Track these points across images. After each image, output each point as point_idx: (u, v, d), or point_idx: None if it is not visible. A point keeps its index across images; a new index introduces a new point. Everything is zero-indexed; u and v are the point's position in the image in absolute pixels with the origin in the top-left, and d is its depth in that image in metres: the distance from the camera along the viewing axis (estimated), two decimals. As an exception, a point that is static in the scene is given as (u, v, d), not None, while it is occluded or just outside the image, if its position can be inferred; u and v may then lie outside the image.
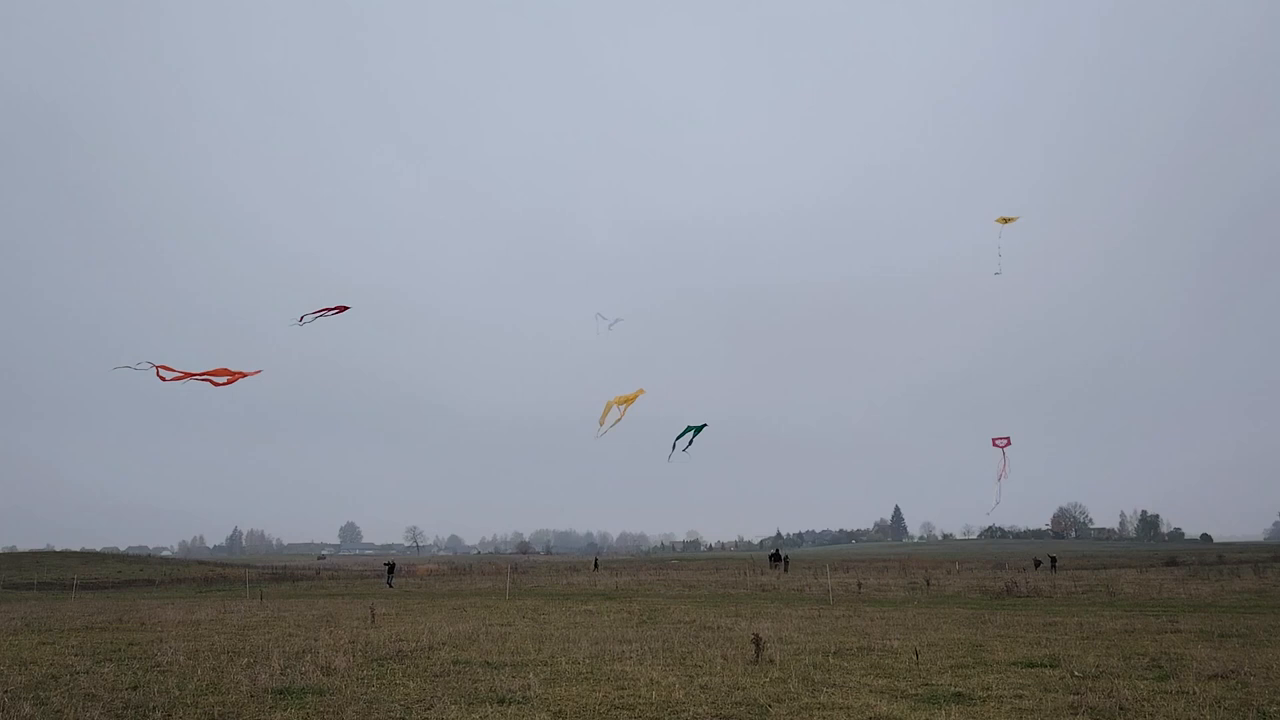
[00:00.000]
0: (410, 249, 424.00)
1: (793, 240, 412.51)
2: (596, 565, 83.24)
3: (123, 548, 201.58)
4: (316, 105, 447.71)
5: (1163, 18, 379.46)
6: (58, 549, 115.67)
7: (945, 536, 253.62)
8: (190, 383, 21.89)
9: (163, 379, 21.79)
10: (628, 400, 27.18)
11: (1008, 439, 33.00)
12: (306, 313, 23.25)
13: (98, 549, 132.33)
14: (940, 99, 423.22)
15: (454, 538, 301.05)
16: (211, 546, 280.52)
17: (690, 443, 29.57)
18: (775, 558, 64.35)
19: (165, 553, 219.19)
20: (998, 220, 31.83)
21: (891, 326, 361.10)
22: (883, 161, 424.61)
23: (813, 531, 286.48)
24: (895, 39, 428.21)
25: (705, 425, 29.64)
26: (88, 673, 13.70)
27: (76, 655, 16.31)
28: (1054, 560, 67.50)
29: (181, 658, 15.43)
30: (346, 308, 23.93)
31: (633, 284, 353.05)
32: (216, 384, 22.74)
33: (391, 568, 57.01)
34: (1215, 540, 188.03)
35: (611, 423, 27.03)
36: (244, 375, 23.09)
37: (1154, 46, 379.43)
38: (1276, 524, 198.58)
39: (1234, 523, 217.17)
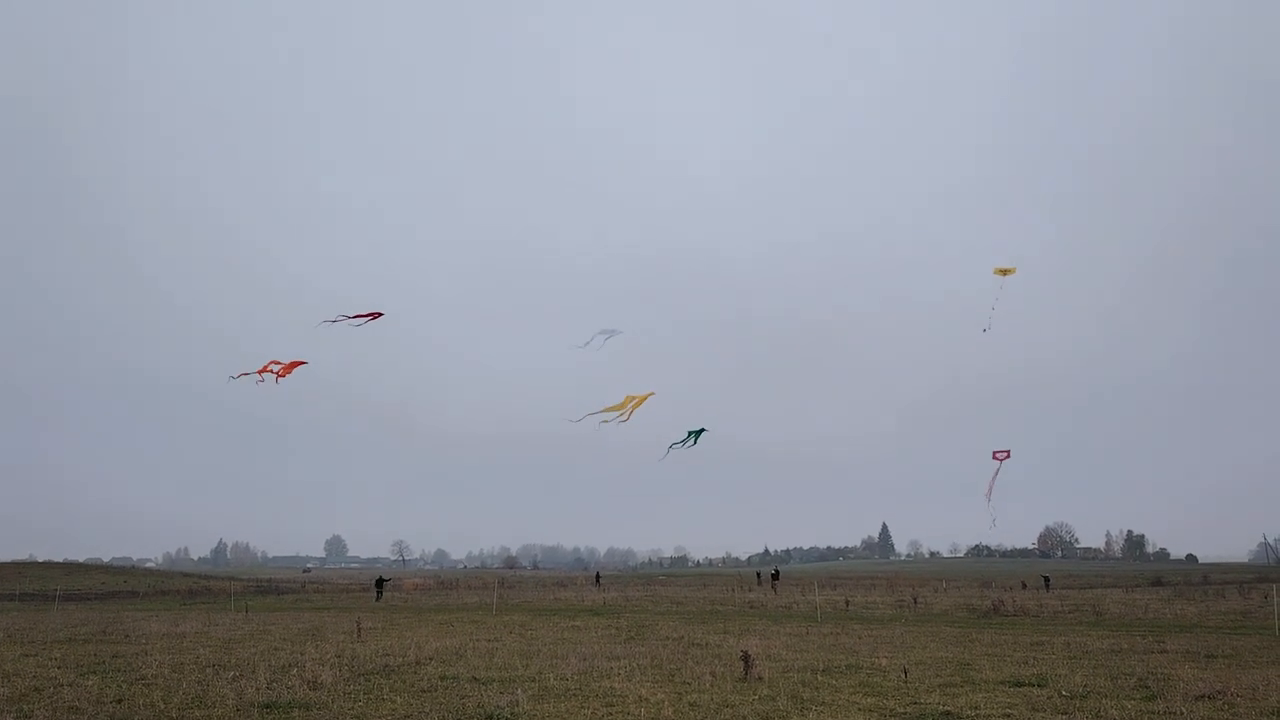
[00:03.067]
0: (389, 262, 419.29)
1: (781, 269, 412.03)
2: (599, 580, 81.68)
3: (106, 559, 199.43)
4: (293, 119, 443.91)
5: (1189, 59, 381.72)
6: (40, 560, 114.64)
7: (932, 554, 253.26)
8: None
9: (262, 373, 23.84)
10: (639, 400, 27.52)
11: (1008, 452, 32.84)
12: (337, 317, 24.08)
13: (81, 560, 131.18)
14: (948, 139, 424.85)
15: (440, 552, 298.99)
16: (196, 559, 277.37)
17: (687, 445, 29.86)
18: (774, 575, 64.02)
19: (149, 564, 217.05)
20: (996, 271, 31.29)
21: (879, 347, 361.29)
22: (883, 197, 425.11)
23: (800, 548, 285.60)
24: (896, 80, 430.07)
25: (705, 430, 29.93)
26: (71, 685, 13.60)
27: (60, 668, 16.18)
28: (1047, 580, 68.02)
29: (166, 671, 15.33)
30: (381, 314, 24.54)
31: (615, 303, 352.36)
32: (279, 375, 24.02)
33: (380, 582, 57.04)
34: (1200, 561, 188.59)
35: (615, 414, 27.41)
36: (295, 365, 24.22)
37: (1177, 84, 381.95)
38: (1261, 545, 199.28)
39: (1219, 544, 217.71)
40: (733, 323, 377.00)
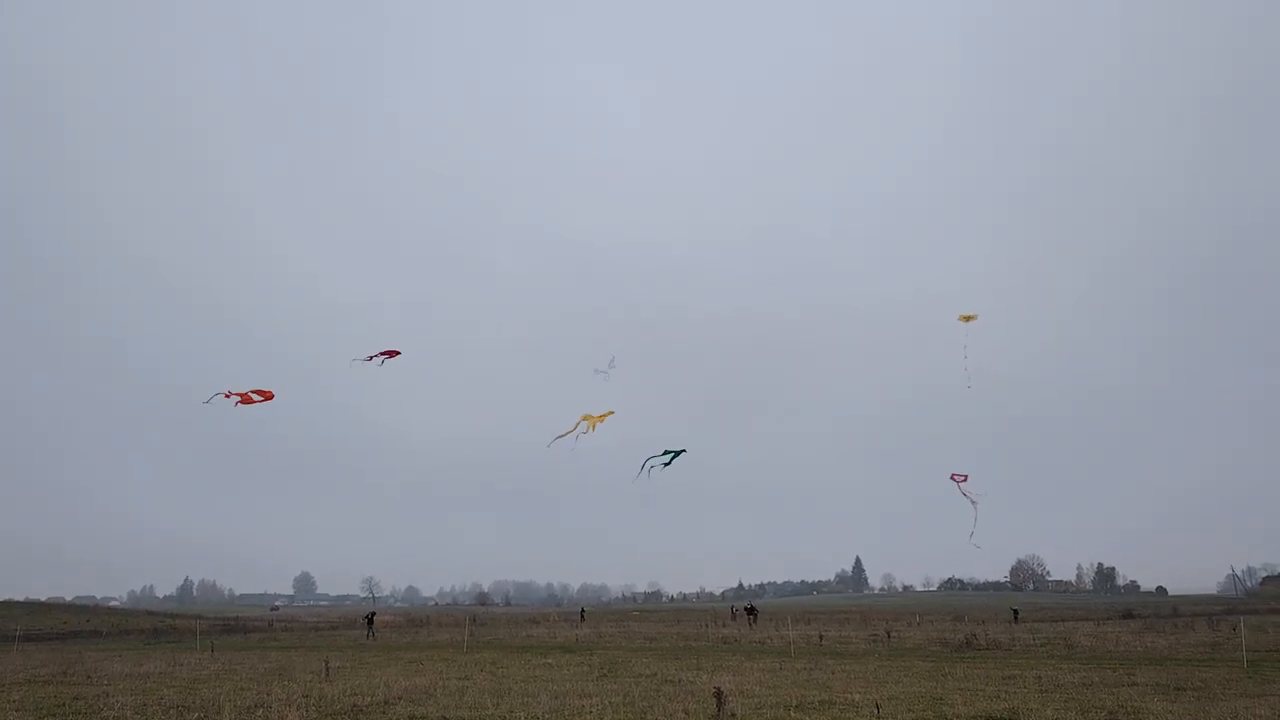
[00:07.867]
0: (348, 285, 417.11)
1: (735, 268, 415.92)
2: (584, 616, 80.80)
3: (69, 597, 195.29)
4: (215, 118, 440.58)
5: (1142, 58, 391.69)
6: (0, 599, 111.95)
7: (906, 588, 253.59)
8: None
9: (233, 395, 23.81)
10: (597, 419, 27.48)
11: (965, 475, 33.12)
12: (360, 357, 24.54)
13: (43, 599, 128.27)
14: (900, 135, 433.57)
15: (411, 589, 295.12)
16: (161, 597, 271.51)
17: (664, 464, 29.67)
18: (749, 610, 64.18)
19: (113, 603, 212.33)
20: (960, 318, 31.66)
21: (846, 371, 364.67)
22: (857, 193, 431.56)
23: (774, 583, 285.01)
24: (846, 65, 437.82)
25: (684, 450, 29.78)
26: (30, 729, 13.31)
27: (18, 711, 15.83)
28: (1016, 612, 68.47)
29: (129, 713, 15.04)
30: (398, 352, 24.80)
31: (561, 308, 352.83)
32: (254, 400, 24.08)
33: (371, 617, 58.22)
34: (1170, 593, 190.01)
35: (578, 433, 27.36)
36: (265, 398, 24.31)
37: (1131, 85, 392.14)
38: (1229, 577, 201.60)
39: (1188, 575, 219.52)
40: (692, 337, 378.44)
